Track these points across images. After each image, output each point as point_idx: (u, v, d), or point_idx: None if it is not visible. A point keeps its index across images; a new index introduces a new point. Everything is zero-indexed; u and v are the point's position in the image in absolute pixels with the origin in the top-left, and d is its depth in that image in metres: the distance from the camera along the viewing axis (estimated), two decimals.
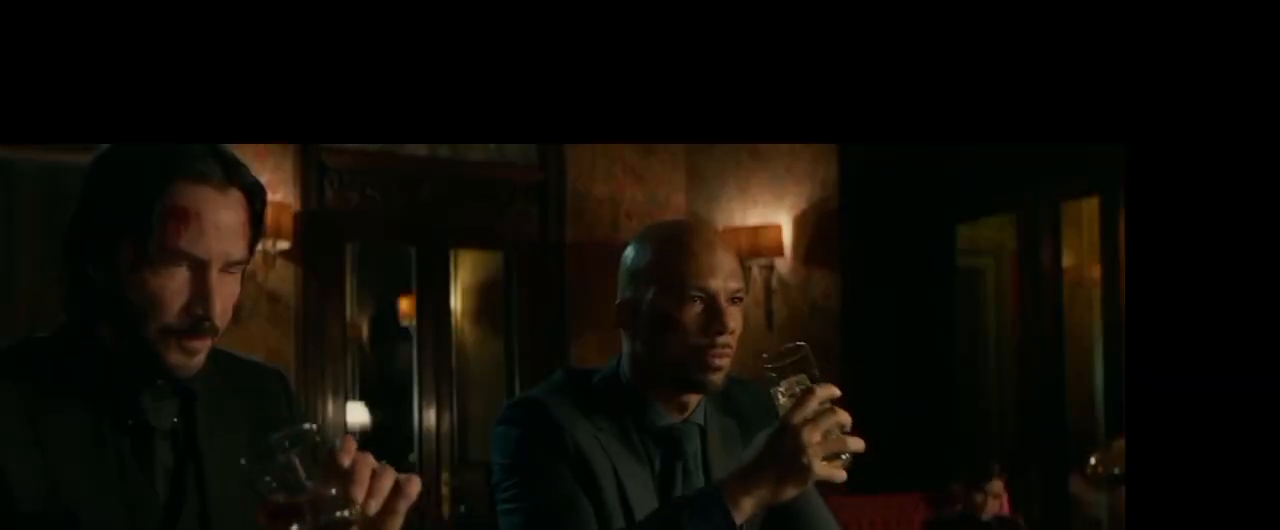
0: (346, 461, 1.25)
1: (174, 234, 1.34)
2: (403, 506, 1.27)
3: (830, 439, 1.63)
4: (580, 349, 6.16)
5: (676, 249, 1.82)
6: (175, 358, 1.37)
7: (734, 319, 1.81)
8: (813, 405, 1.63)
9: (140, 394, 1.40)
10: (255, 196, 1.42)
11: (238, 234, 1.39)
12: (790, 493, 1.65)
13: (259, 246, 5.39)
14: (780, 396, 1.69)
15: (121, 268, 1.35)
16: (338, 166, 5.81)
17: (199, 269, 1.36)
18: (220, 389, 1.47)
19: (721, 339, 1.79)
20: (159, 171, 1.35)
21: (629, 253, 1.87)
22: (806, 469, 1.61)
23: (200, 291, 1.36)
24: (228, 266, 1.39)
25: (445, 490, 5.97)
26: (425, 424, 6.00)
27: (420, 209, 6.05)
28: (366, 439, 6.48)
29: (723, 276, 1.80)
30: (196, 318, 1.36)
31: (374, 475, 1.25)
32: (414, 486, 1.28)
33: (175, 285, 1.35)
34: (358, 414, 6.32)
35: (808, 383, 1.68)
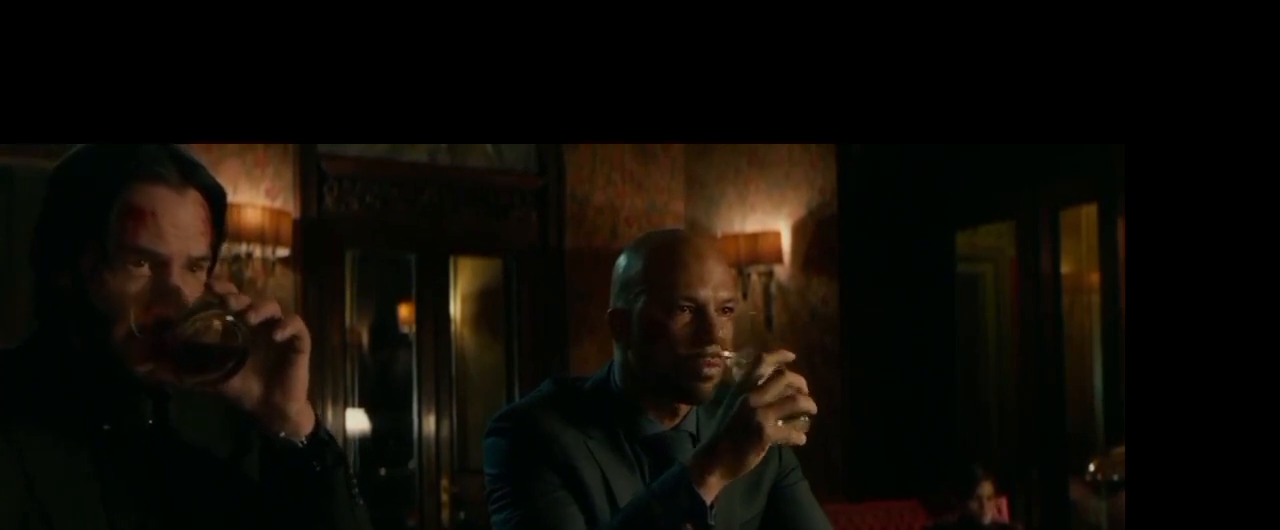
0: (220, 287, 1.32)
1: (132, 233, 1.34)
2: (289, 332, 1.33)
3: (783, 402, 1.63)
4: (579, 355, 6.16)
5: (667, 258, 1.81)
6: (142, 366, 1.37)
7: (724, 329, 1.80)
8: (762, 368, 1.64)
9: (113, 397, 1.40)
10: (214, 197, 1.42)
11: (197, 232, 1.39)
12: (752, 459, 1.65)
13: (258, 253, 5.36)
14: (734, 370, 1.70)
15: (84, 273, 1.35)
16: (337, 174, 5.81)
17: (160, 267, 1.36)
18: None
19: (711, 349, 1.78)
20: (115, 175, 1.36)
21: (621, 262, 1.87)
22: (760, 430, 1.61)
23: (163, 291, 1.36)
24: (190, 265, 1.38)
25: (445, 497, 5.97)
26: (425, 431, 6.00)
27: (420, 216, 6.06)
28: (367, 445, 6.48)
29: (713, 286, 1.80)
30: (161, 318, 1.35)
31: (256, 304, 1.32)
32: (299, 324, 1.34)
33: (138, 286, 1.35)
34: (357, 421, 6.31)
35: (754, 353, 1.69)
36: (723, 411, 1.67)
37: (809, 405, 1.65)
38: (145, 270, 1.36)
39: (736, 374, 1.70)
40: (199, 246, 1.39)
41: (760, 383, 1.64)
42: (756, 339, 6.22)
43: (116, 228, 1.34)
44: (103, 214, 1.34)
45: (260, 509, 1.44)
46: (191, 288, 1.38)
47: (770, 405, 1.62)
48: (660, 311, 1.79)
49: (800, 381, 1.65)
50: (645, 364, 1.81)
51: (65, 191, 1.39)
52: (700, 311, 1.78)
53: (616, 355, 1.87)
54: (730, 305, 1.82)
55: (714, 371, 1.80)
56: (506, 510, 1.79)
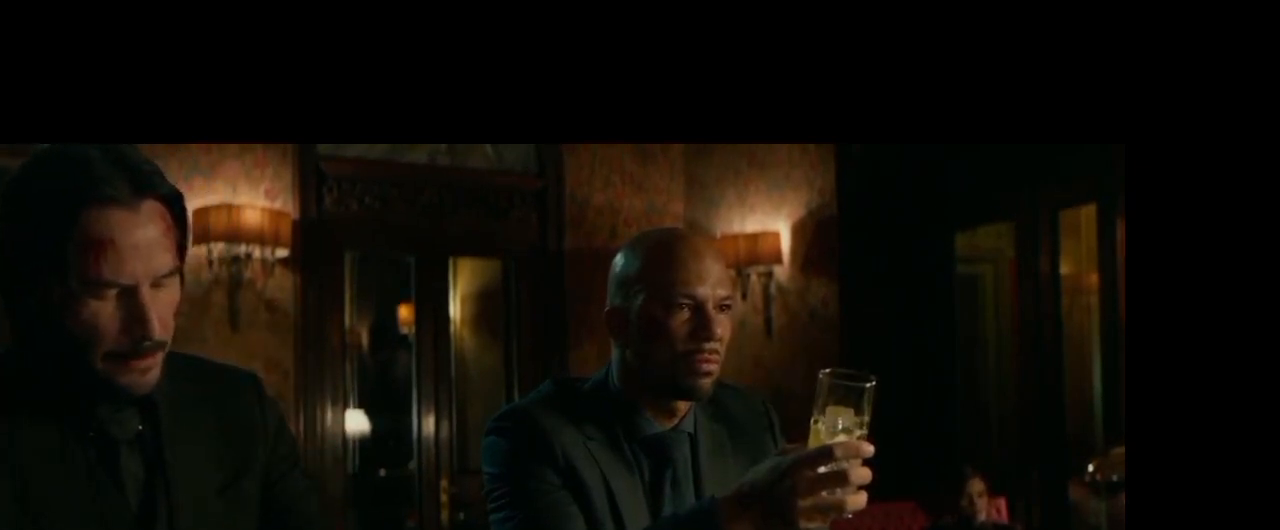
0: None
1: (93, 266, 1.31)
2: None
3: (828, 498, 1.55)
4: (579, 356, 6.16)
5: (664, 256, 1.81)
6: (127, 379, 1.36)
7: (722, 326, 1.80)
8: (825, 465, 1.55)
9: (98, 406, 1.38)
10: (172, 203, 1.38)
11: (159, 247, 1.35)
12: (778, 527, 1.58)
13: (258, 254, 5.34)
14: (814, 423, 1.59)
15: (52, 302, 1.32)
16: (337, 175, 5.81)
17: (128, 292, 1.33)
18: (186, 395, 1.46)
19: (709, 346, 1.79)
20: (64, 204, 1.31)
21: (618, 261, 1.87)
22: (792, 518, 1.55)
23: (135, 314, 1.33)
24: (157, 282, 1.36)
25: (444, 498, 5.97)
26: (424, 431, 6.00)
27: (419, 217, 6.06)
28: (366, 446, 6.48)
29: (711, 284, 1.80)
30: (137, 339, 1.34)
31: None
32: None
33: (108, 312, 1.33)
34: (357, 421, 6.32)
35: (842, 426, 1.58)
36: (769, 470, 1.59)
37: (856, 504, 1.56)
38: (113, 297, 1.33)
39: (813, 428, 1.59)
40: (164, 263, 1.36)
41: (814, 474, 1.54)
42: (756, 341, 6.22)
43: (76, 262, 1.30)
44: (59, 249, 1.30)
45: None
46: (163, 303, 1.36)
47: (811, 502, 1.55)
48: (659, 309, 1.79)
49: (862, 477, 1.56)
50: (644, 362, 1.82)
51: (16, 221, 1.34)
52: (699, 309, 1.79)
53: (615, 354, 1.88)
54: (727, 302, 1.82)
55: (712, 368, 1.80)
56: (506, 510, 1.79)
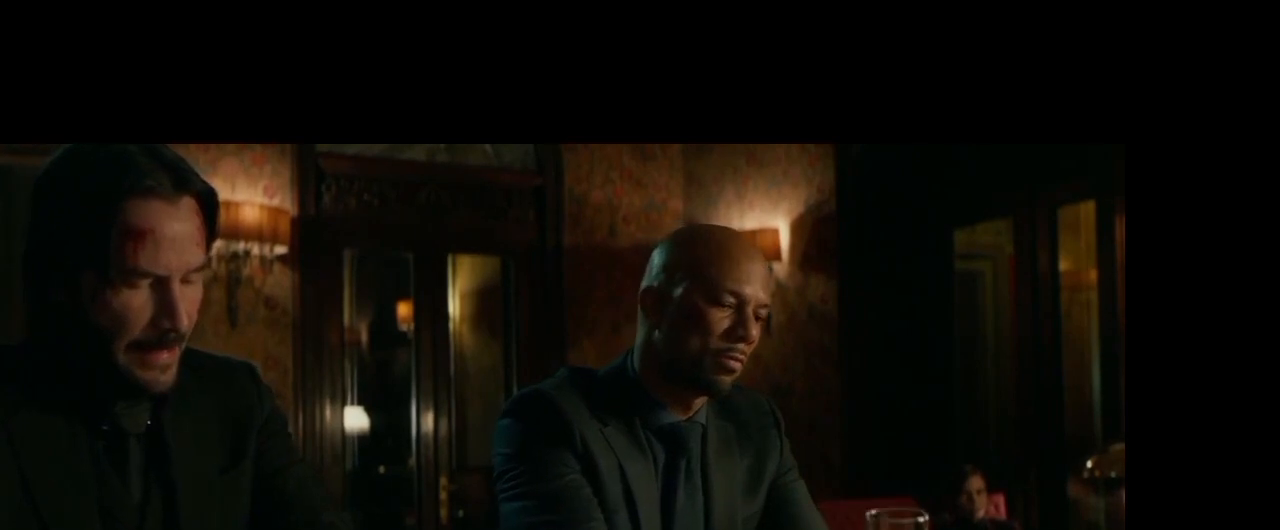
0: None
1: (132, 254, 1.34)
2: None
3: None
4: (578, 354, 6.17)
5: (718, 250, 1.84)
6: (148, 375, 1.39)
7: (756, 330, 1.82)
8: None
9: (113, 400, 1.41)
10: (207, 201, 1.42)
11: (193, 242, 1.39)
12: None
13: (256, 251, 5.35)
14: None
15: (83, 293, 1.35)
16: (336, 172, 5.81)
17: (160, 284, 1.37)
18: (189, 388, 1.49)
19: (741, 346, 1.81)
20: (108, 193, 1.35)
21: (664, 246, 1.89)
22: None
23: (165, 305, 1.37)
24: (188, 276, 1.39)
25: (443, 495, 5.97)
26: (423, 429, 6.00)
27: (418, 214, 6.06)
28: (365, 443, 6.48)
29: (756, 286, 1.82)
30: (163, 331, 1.37)
31: None
32: None
33: (139, 303, 1.36)
34: (356, 419, 6.32)
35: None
36: None
37: None
38: (145, 287, 1.36)
39: None
40: (196, 257, 1.40)
41: None
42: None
43: (116, 249, 1.34)
44: (100, 237, 1.34)
45: (251, 517, 1.47)
46: (189, 298, 1.40)
47: None
48: (702, 299, 1.80)
49: None
50: (672, 347, 1.83)
51: (56, 208, 1.38)
52: (740, 307, 1.81)
53: (640, 337, 1.88)
54: (763, 309, 1.84)
55: (738, 367, 1.83)
56: (519, 489, 1.79)
